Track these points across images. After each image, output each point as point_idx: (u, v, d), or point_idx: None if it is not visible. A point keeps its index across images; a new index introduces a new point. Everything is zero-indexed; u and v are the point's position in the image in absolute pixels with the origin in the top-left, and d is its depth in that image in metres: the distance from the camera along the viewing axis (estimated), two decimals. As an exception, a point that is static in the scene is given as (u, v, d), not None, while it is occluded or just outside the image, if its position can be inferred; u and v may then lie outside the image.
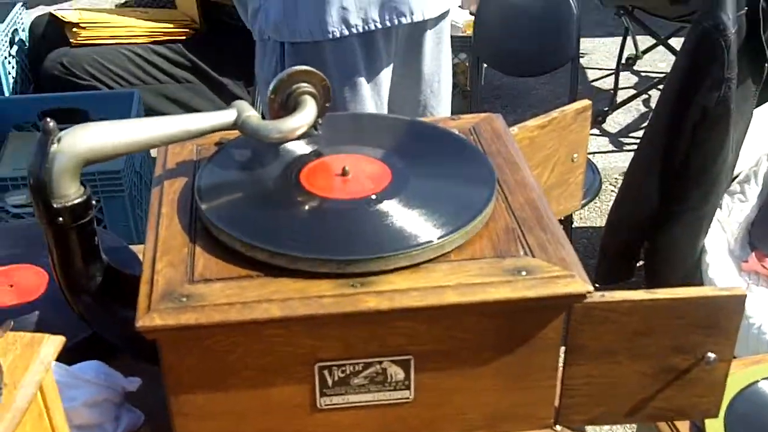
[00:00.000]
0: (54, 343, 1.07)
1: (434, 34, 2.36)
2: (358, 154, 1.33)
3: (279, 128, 1.27)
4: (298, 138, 1.31)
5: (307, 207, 1.23)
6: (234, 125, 1.28)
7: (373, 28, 2.18)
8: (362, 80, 2.24)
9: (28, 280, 1.57)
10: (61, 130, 1.17)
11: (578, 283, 1.10)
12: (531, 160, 1.51)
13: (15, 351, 1.06)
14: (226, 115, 1.28)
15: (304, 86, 1.31)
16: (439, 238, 1.14)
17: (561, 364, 1.20)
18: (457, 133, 1.41)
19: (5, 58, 3.62)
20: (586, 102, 1.62)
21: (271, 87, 1.31)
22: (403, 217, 1.19)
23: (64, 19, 3.66)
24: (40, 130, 1.17)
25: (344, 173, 1.27)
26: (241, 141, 1.37)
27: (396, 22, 2.20)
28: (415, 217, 1.19)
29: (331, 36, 2.16)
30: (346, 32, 2.16)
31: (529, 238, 1.17)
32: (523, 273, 1.11)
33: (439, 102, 2.47)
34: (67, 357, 1.26)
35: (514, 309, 1.12)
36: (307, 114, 1.29)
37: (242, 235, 1.15)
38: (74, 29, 3.62)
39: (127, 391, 1.36)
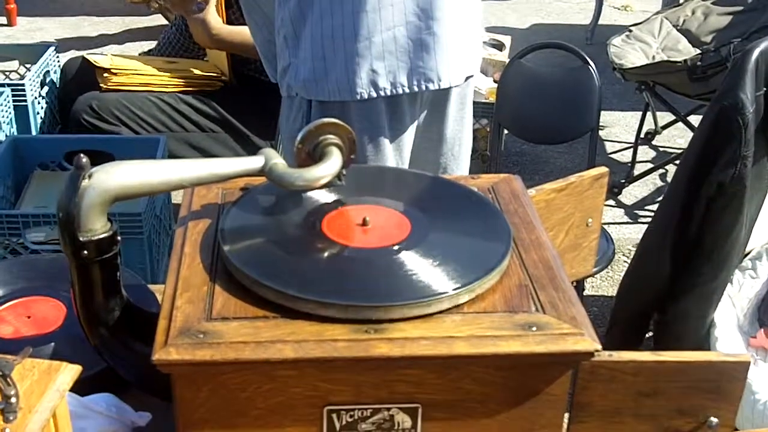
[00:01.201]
0: (71, 372, 1.10)
1: (458, 99, 2.38)
2: (379, 205, 1.36)
3: (304, 176, 1.30)
4: (322, 187, 1.34)
5: (326, 253, 1.26)
6: (261, 171, 1.31)
7: (400, 92, 2.21)
8: (385, 140, 2.26)
9: (46, 313, 1.60)
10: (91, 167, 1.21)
11: (587, 341, 1.13)
12: (546, 222, 1.54)
13: (32, 377, 1.09)
14: (253, 161, 1.32)
15: (331, 138, 1.35)
16: (453, 290, 1.17)
17: (566, 422, 1.22)
18: (476, 191, 1.44)
19: (35, 98, 3.66)
20: (604, 169, 1.64)
21: (299, 136, 1.34)
22: (419, 267, 1.21)
23: (96, 64, 3.71)
24: (72, 166, 1.21)
25: (364, 223, 1.30)
26: (266, 187, 1.40)
27: (423, 87, 2.23)
28: (431, 268, 1.21)
29: (359, 97, 2.19)
30: (374, 95, 2.19)
31: (541, 296, 1.20)
32: (534, 329, 1.13)
33: (458, 165, 2.49)
34: (79, 388, 1.28)
35: (523, 363, 1.14)
36: (332, 164, 1.32)
37: (261, 277, 1.18)
38: (105, 74, 3.66)
39: (137, 426, 1.38)
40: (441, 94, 2.32)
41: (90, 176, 1.20)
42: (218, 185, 1.44)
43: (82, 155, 1.20)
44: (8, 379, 1.07)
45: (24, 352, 1.12)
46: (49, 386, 1.07)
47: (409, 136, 2.32)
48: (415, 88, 2.22)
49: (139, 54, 4.26)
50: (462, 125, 2.45)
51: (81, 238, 1.21)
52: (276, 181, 1.31)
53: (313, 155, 1.35)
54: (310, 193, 1.37)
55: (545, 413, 1.18)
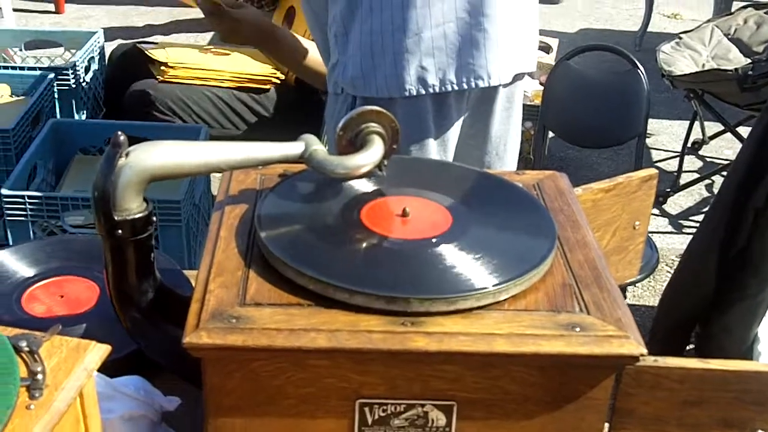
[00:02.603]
0: (99, 351, 1.08)
1: (505, 98, 2.35)
2: (420, 197, 1.33)
3: (344, 164, 1.27)
4: (362, 176, 1.31)
5: (364, 243, 1.23)
6: (300, 157, 1.28)
7: (449, 89, 2.18)
8: (430, 138, 2.23)
9: (79, 293, 1.58)
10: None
11: (632, 344, 1.09)
12: (592, 222, 1.50)
13: (60, 354, 1.06)
14: (293, 147, 1.29)
15: (374, 126, 1.31)
16: (494, 286, 1.13)
17: (606, 428, 1.18)
18: (521, 186, 1.40)
19: (79, 83, 3.66)
20: (653, 171, 1.61)
21: (341, 123, 1.31)
22: (460, 261, 1.18)
23: (152, 57, 3.70)
24: (109, 145, 1.18)
25: (404, 214, 1.27)
26: (305, 174, 1.37)
27: (473, 85, 2.20)
28: (472, 262, 1.18)
29: (407, 94, 2.16)
30: (423, 91, 2.16)
31: (585, 295, 1.16)
32: (577, 329, 1.10)
33: (503, 164, 2.46)
34: (109, 370, 1.26)
35: (564, 365, 1.10)
36: (373, 153, 1.29)
37: (297, 263, 1.15)
38: (162, 68, 3.65)
39: (165, 411, 1.35)
40: (488, 92, 2.29)
41: (127, 155, 1.18)
42: (257, 171, 1.42)
43: (119, 133, 1.17)
44: (36, 356, 1.04)
45: (53, 329, 1.10)
46: (77, 364, 1.05)
47: (454, 134, 2.30)
48: (464, 86, 2.19)
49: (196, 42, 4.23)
50: (508, 124, 2.42)
51: (116, 218, 1.18)
52: (316, 168, 1.28)
53: (354, 143, 1.32)
54: (349, 182, 1.34)
55: (585, 418, 1.14)
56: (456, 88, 2.19)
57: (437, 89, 2.17)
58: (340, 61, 2.24)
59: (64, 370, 1.04)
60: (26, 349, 1.05)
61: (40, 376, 1.01)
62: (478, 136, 2.38)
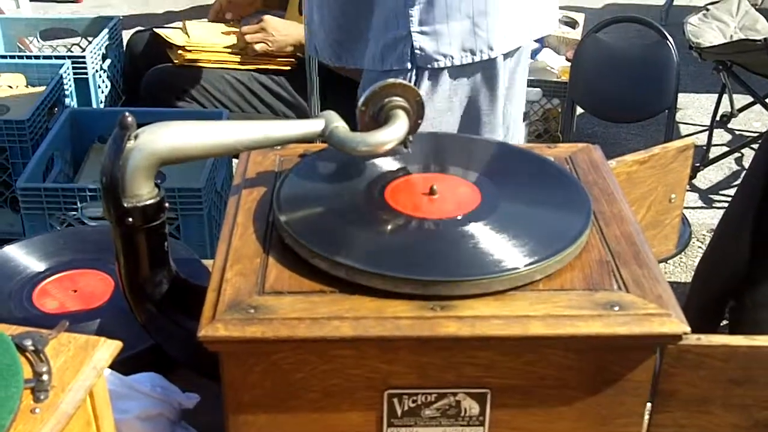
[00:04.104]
0: (109, 348, 1.02)
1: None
2: (447, 174, 1.27)
3: (367, 141, 1.21)
4: (386, 154, 1.25)
5: (389, 224, 1.17)
6: (321, 135, 1.23)
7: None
8: (499, 99, 2.21)
9: (94, 287, 1.53)
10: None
11: (674, 322, 1.03)
12: (627, 196, 1.43)
13: (68, 353, 1.01)
14: (313, 124, 1.23)
15: (398, 100, 1.25)
16: (526, 266, 1.07)
17: (648, 411, 1.12)
18: (552, 160, 1.34)
19: (96, 71, 3.62)
20: (690, 140, 1.55)
21: (362, 98, 1.25)
22: (491, 241, 1.12)
23: (169, 40, 3.66)
24: (117, 125, 1.12)
25: (432, 192, 1.20)
26: (326, 153, 1.32)
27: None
28: (504, 242, 1.12)
29: (486, 57, 2.13)
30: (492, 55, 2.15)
31: (623, 273, 1.10)
32: (616, 308, 1.03)
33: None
34: (124, 367, 1.23)
35: (603, 346, 1.04)
36: (397, 129, 1.23)
37: (319, 248, 1.09)
38: (179, 51, 3.61)
39: (184, 408, 1.30)
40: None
41: (136, 137, 1.12)
42: (275, 152, 1.36)
43: (127, 114, 1.12)
44: (41, 355, 0.99)
45: (60, 326, 1.04)
46: (85, 363, 0.99)
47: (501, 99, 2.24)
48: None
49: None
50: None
51: (125, 204, 1.13)
52: (337, 146, 1.22)
53: (377, 119, 1.25)
54: (373, 161, 1.28)
55: (626, 401, 1.08)
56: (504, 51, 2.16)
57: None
58: (427, 32, 2.15)
59: (72, 369, 0.98)
60: (31, 348, 0.99)
61: (45, 377, 0.96)
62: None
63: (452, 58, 2.10)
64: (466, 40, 2.09)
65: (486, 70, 2.15)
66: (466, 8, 2.06)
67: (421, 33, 2.10)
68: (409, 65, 2.14)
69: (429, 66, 2.12)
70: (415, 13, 2.09)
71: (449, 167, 1.29)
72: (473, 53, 2.10)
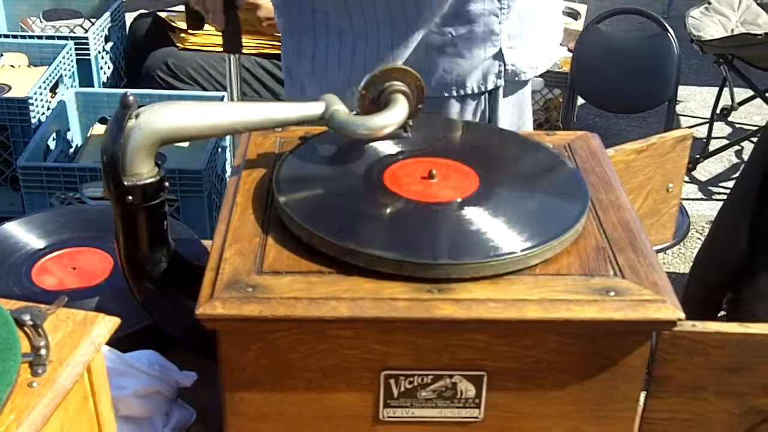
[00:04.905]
0: (108, 324, 1.02)
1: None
2: (446, 158, 1.27)
3: (367, 124, 1.22)
4: (386, 137, 1.26)
5: (388, 207, 1.17)
6: (321, 118, 1.23)
7: None
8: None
9: (93, 265, 1.53)
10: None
11: (669, 308, 1.03)
12: (625, 185, 1.44)
13: (66, 328, 1.01)
14: (314, 107, 1.24)
15: (398, 84, 1.26)
16: (523, 250, 1.08)
17: (642, 397, 1.13)
18: (551, 147, 1.34)
19: (98, 52, 3.62)
20: (688, 131, 1.55)
21: (363, 82, 1.26)
22: (488, 225, 1.12)
23: (172, 23, 3.65)
24: (119, 104, 1.13)
25: (430, 176, 1.21)
26: (326, 136, 1.32)
27: None
28: (501, 226, 1.12)
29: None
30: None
31: (620, 259, 1.10)
32: (612, 294, 1.04)
33: None
34: (122, 345, 1.23)
35: (598, 331, 1.05)
36: (397, 112, 1.24)
37: (317, 229, 1.10)
38: (182, 35, 3.61)
39: (181, 387, 1.30)
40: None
41: (137, 116, 1.12)
42: (276, 134, 1.36)
43: (129, 93, 1.12)
44: (39, 330, 0.99)
45: (58, 301, 1.04)
46: (83, 338, 0.99)
47: None
48: None
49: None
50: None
51: (126, 183, 1.14)
52: (337, 129, 1.23)
53: (377, 102, 1.26)
54: (372, 144, 1.29)
55: (620, 386, 1.09)
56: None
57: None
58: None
59: (70, 344, 0.98)
60: (29, 322, 1.00)
61: (43, 351, 0.96)
62: None
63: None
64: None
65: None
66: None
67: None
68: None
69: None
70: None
71: (449, 152, 1.29)
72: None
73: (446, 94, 1.87)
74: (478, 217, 1.14)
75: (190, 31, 3.58)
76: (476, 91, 1.88)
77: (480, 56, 1.85)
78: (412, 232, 1.13)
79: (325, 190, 1.22)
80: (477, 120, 1.88)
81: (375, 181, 1.22)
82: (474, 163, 1.26)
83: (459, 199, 1.17)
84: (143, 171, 1.14)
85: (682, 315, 1.03)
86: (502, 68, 1.88)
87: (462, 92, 1.87)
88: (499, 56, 1.87)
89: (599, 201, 1.22)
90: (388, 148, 1.29)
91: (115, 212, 1.17)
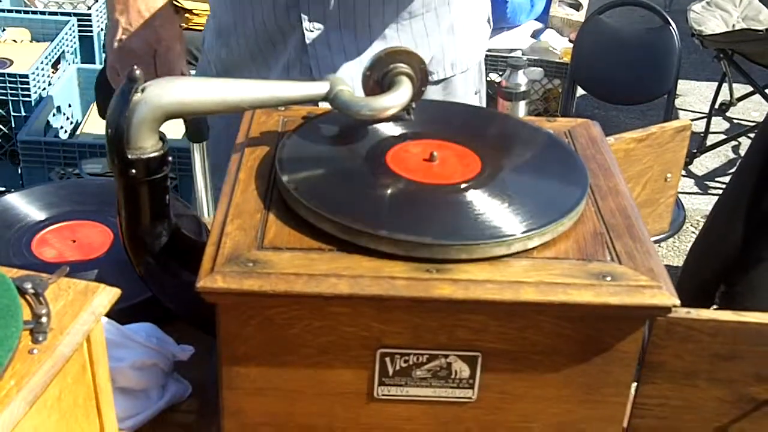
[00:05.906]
0: (108, 294, 1.03)
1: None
2: (448, 141, 1.28)
3: (370, 105, 1.23)
4: (389, 119, 1.26)
5: (389, 187, 1.18)
6: (325, 98, 1.24)
7: None
8: None
9: (92, 238, 1.54)
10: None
11: (665, 295, 1.04)
12: (624, 173, 1.44)
13: (67, 297, 1.02)
14: (318, 87, 1.24)
15: (402, 66, 1.27)
16: (522, 233, 1.08)
17: (635, 382, 1.14)
18: (552, 133, 1.35)
19: (101, 29, 3.62)
20: (687, 121, 1.56)
21: (368, 63, 1.26)
22: (488, 207, 1.13)
23: (177, 4, 3.65)
24: (126, 79, 1.13)
25: (432, 158, 1.22)
26: (330, 116, 1.33)
27: None
28: (501, 209, 1.13)
29: None
30: None
31: (617, 245, 1.11)
32: (608, 278, 1.05)
33: None
34: (120, 317, 1.24)
35: (594, 315, 1.05)
36: (401, 94, 1.24)
37: (318, 207, 1.10)
38: (186, 15, 3.60)
39: (177, 360, 1.31)
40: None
41: (143, 90, 1.13)
42: (279, 112, 1.37)
43: (135, 67, 1.13)
44: (41, 298, 0.99)
45: (60, 271, 1.05)
46: (84, 308, 1.00)
47: None
48: None
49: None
50: None
51: (129, 156, 1.14)
52: (340, 109, 1.23)
53: (381, 84, 1.27)
54: (376, 125, 1.29)
55: (614, 371, 1.10)
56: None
57: None
58: None
59: (71, 313, 0.99)
60: (31, 291, 1.00)
61: (44, 319, 0.96)
62: None
63: None
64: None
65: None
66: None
67: None
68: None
69: None
70: None
71: (451, 135, 1.30)
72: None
73: None
74: (478, 199, 1.15)
75: (195, 11, 3.58)
76: None
77: None
78: (413, 212, 1.14)
79: (327, 169, 1.22)
80: None
81: (377, 161, 1.22)
82: (476, 147, 1.26)
83: (460, 181, 1.18)
84: (147, 145, 1.15)
85: (677, 301, 1.04)
86: None
87: None
88: None
89: (598, 187, 1.23)
90: (390, 129, 1.30)
91: (118, 185, 1.18)
